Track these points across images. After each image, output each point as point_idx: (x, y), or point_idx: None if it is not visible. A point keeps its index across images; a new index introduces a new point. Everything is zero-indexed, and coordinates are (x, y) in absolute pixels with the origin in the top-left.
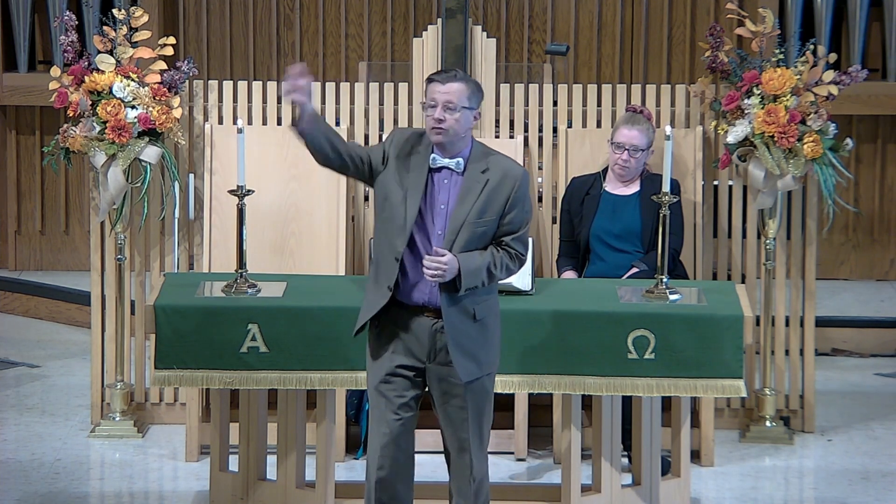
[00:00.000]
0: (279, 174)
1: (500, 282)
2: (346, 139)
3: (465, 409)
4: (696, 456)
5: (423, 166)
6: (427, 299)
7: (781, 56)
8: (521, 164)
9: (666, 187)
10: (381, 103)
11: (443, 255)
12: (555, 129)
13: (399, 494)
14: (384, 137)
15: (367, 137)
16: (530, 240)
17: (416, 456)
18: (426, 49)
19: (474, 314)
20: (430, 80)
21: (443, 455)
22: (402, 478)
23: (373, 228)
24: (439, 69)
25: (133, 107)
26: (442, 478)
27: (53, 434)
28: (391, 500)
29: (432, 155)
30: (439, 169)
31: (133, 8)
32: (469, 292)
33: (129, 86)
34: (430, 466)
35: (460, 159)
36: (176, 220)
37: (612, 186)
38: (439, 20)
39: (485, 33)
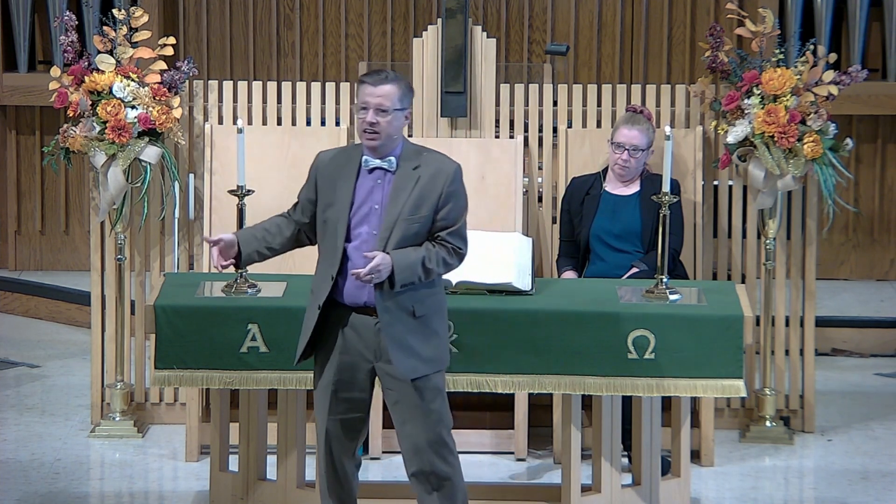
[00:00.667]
0: (279, 174)
1: (497, 281)
2: (287, 212)
3: (418, 407)
4: (696, 456)
5: (351, 174)
6: (367, 299)
7: (781, 56)
8: (521, 164)
9: (666, 187)
10: None
11: (373, 256)
12: (555, 129)
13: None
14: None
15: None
16: (530, 240)
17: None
18: (426, 49)
19: (413, 311)
20: (361, 81)
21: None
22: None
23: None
24: (370, 70)
25: (133, 107)
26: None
27: (53, 434)
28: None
29: (364, 157)
30: (372, 170)
31: (133, 8)
32: (407, 289)
33: (129, 86)
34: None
35: (392, 158)
36: (176, 220)
37: (612, 186)
38: (439, 20)
39: (485, 33)
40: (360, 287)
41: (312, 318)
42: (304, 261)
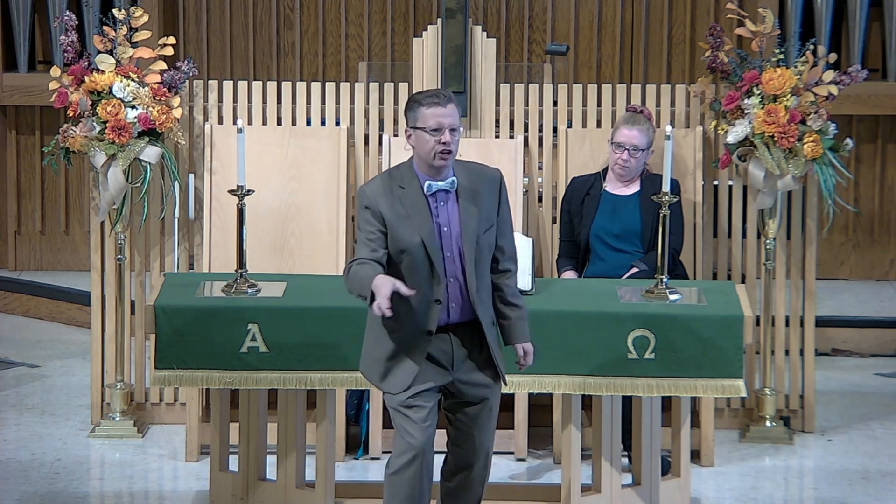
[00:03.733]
0: (279, 174)
1: None
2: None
3: (492, 410)
4: (696, 456)
5: (420, 201)
6: (449, 320)
7: (781, 56)
8: (521, 164)
9: (666, 187)
10: (381, 103)
11: (526, 357)
12: (555, 129)
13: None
14: (360, 198)
15: (367, 137)
16: (530, 240)
17: None
18: (426, 49)
19: (493, 319)
20: (428, 104)
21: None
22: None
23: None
24: (426, 91)
25: (133, 107)
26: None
27: (53, 434)
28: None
29: (427, 182)
30: (434, 193)
31: (133, 8)
32: (486, 307)
33: (129, 86)
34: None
35: (453, 178)
36: (176, 220)
37: (612, 186)
38: (439, 20)
39: (485, 33)
40: (438, 307)
41: (424, 344)
42: (304, 261)
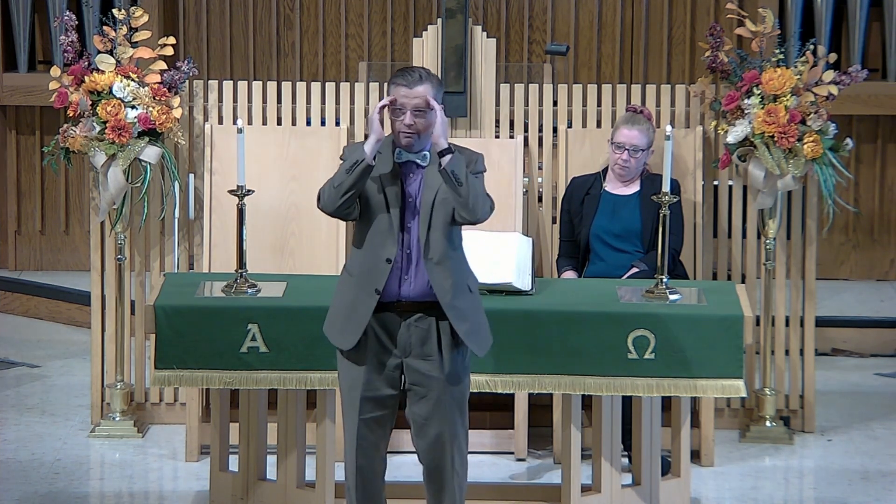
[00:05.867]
0: (279, 174)
1: (497, 281)
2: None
3: (442, 403)
4: (696, 456)
5: (393, 167)
6: (401, 294)
7: (781, 56)
8: (521, 164)
9: (666, 187)
10: None
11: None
12: (555, 129)
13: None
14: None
15: (367, 137)
16: (530, 240)
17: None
18: (426, 49)
19: (469, 288)
20: (394, 83)
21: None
22: (379, 472)
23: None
24: (401, 69)
25: (133, 107)
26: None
27: (53, 434)
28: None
29: (397, 150)
30: (404, 163)
31: (133, 8)
32: (456, 267)
33: (129, 86)
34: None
35: (426, 153)
36: (176, 220)
37: (612, 186)
38: (439, 20)
39: (485, 33)
40: (399, 279)
41: (370, 303)
42: (304, 261)
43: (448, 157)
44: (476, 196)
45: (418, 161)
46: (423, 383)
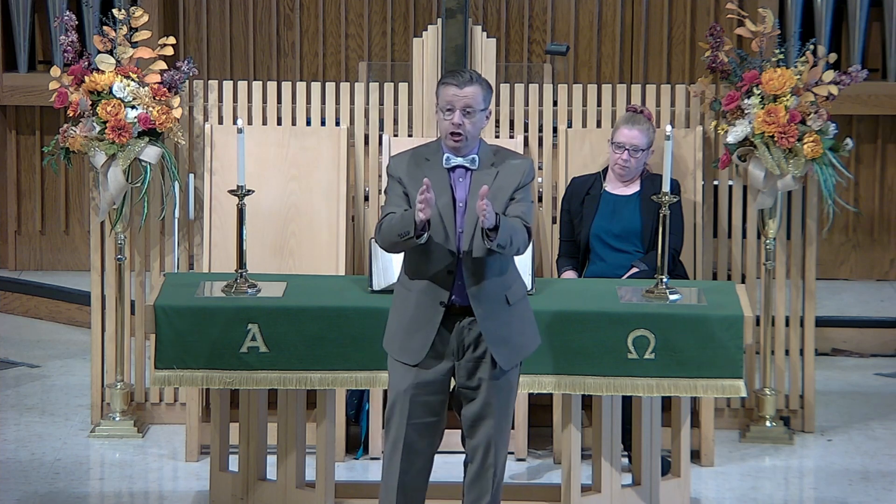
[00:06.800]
0: (279, 174)
1: None
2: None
3: (491, 405)
4: (696, 456)
5: (441, 173)
6: (453, 298)
7: (781, 56)
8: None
9: (666, 187)
10: (381, 103)
11: (483, 202)
12: (555, 129)
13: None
14: (388, 168)
15: (367, 137)
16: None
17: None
18: (426, 49)
19: (507, 299)
20: (444, 83)
21: (450, 454)
22: (423, 479)
23: (374, 228)
24: (452, 70)
25: (133, 107)
26: (451, 477)
27: (53, 434)
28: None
29: (445, 155)
30: (453, 168)
31: (133, 8)
32: (495, 278)
33: (129, 86)
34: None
35: (475, 156)
36: (176, 220)
37: (612, 186)
38: (439, 20)
39: (485, 33)
40: (451, 282)
41: (436, 318)
42: (304, 261)
43: (495, 236)
44: (515, 244)
45: (467, 165)
46: (472, 385)
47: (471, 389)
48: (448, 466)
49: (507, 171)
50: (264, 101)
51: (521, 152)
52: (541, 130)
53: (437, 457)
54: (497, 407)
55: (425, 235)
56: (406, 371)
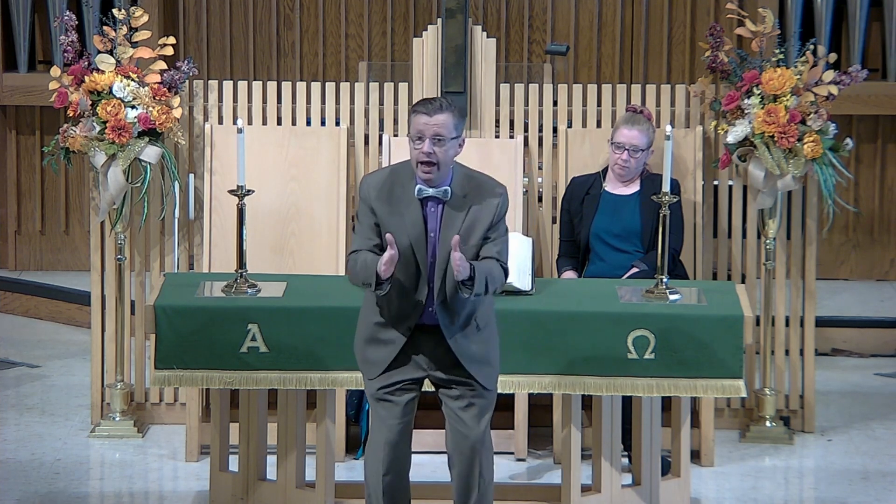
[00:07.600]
0: (279, 174)
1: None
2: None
3: (474, 408)
4: (696, 456)
5: (413, 204)
6: (423, 319)
7: (781, 56)
8: (521, 164)
9: (666, 187)
10: (381, 103)
11: (456, 255)
12: (555, 129)
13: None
14: (360, 187)
15: (367, 137)
16: (530, 240)
17: (416, 456)
18: (426, 49)
19: (477, 325)
20: (415, 111)
21: (439, 454)
22: (404, 479)
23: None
24: (423, 99)
25: (133, 107)
26: (441, 478)
27: (53, 434)
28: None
29: (418, 186)
30: (425, 199)
31: (133, 8)
32: (466, 306)
33: (129, 86)
34: (430, 466)
35: (447, 188)
36: (176, 220)
37: (612, 186)
38: (439, 20)
39: (485, 33)
40: (424, 305)
41: (399, 342)
42: (304, 261)
43: (471, 284)
44: (492, 287)
45: (439, 196)
46: (452, 385)
47: (451, 388)
48: (446, 467)
49: (480, 206)
50: (264, 101)
51: (521, 152)
52: (541, 130)
53: (430, 457)
54: (479, 409)
55: (386, 286)
56: (379, 380)
